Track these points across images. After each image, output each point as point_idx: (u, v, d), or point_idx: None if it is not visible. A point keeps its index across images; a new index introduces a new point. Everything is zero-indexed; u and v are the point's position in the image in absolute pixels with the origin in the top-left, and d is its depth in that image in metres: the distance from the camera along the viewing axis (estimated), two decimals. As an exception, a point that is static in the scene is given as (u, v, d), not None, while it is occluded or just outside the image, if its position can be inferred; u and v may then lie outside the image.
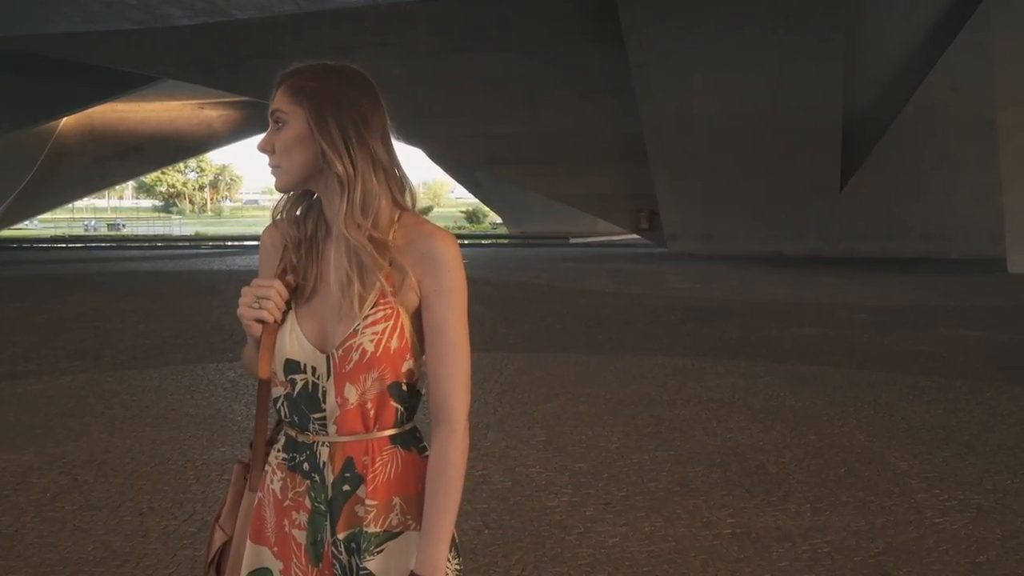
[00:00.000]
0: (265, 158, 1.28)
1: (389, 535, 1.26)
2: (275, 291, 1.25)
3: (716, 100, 20.35)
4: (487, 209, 52.04)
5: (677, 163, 21.48)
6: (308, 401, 1.26)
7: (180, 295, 12.58)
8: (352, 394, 1.24)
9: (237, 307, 1.27)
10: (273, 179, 1.29)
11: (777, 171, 20.63)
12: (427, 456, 1.29)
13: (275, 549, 1.31)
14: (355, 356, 1.23)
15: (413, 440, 1.30)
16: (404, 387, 1.27)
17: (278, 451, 1.33)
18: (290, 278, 1.27)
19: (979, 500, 3.75)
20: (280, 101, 1.25)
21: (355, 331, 1.23)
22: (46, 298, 12.13)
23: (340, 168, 1.22)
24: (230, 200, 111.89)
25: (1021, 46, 15.08)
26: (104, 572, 3.01)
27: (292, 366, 1.27)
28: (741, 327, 9.18)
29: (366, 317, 1.23)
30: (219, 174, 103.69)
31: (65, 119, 35.59)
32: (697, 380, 6.35)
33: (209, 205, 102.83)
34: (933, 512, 3.60)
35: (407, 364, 1.26)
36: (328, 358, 1.25)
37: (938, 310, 10.80)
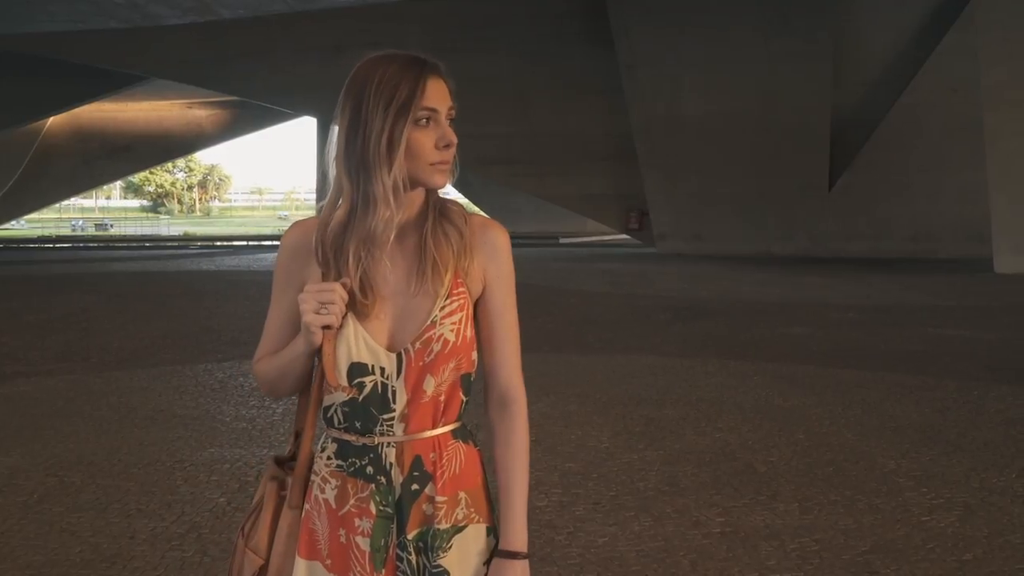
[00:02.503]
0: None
1: (456, 529, 1.28)
2: (338, 295, 1.21)
3: (706, 101, 20.42)
4: (477, 209, 52.02)
5: (667, 163, 21.54)
6: (378, 402, 1.25)
7: (168, 296, 12.52)
8: (430, 386, 1.26)
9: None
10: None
11: (766, 171, 20.73)
12: (479, 448, 1.34)
13: (328, 562, 1.27)
14: (436, 347, 1.24)
15: (468, 434, 1.34)
16: (471, 377, 1.31)
17: (329, 459, 1.29)
18: (347, 280, 1.23)
19: (966, 498, 3.77)
20: (450, 98, 1.25)
21: (433, 323, 1.24)
22: (33, 299, 12.05)
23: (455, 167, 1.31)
24: (219, 200, 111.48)
25: (1007, 47, 15.18)
26: (91, 574, 2.99)
27: (359, 369, 1.24)
28: (730, 327, 9.21)
29: (442, 308, 1.25)
30: (208, 174, 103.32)
31: (52, 119, 35.43)
32: (686, 380, 6.37)
33: (198, 205, 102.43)
34: (920, 510, 3.62)
35: (474, 353, 1.30)
36: (399, 356, 1.24)
37: (926, 310, 10.86)
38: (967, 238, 19.79)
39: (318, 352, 1.24)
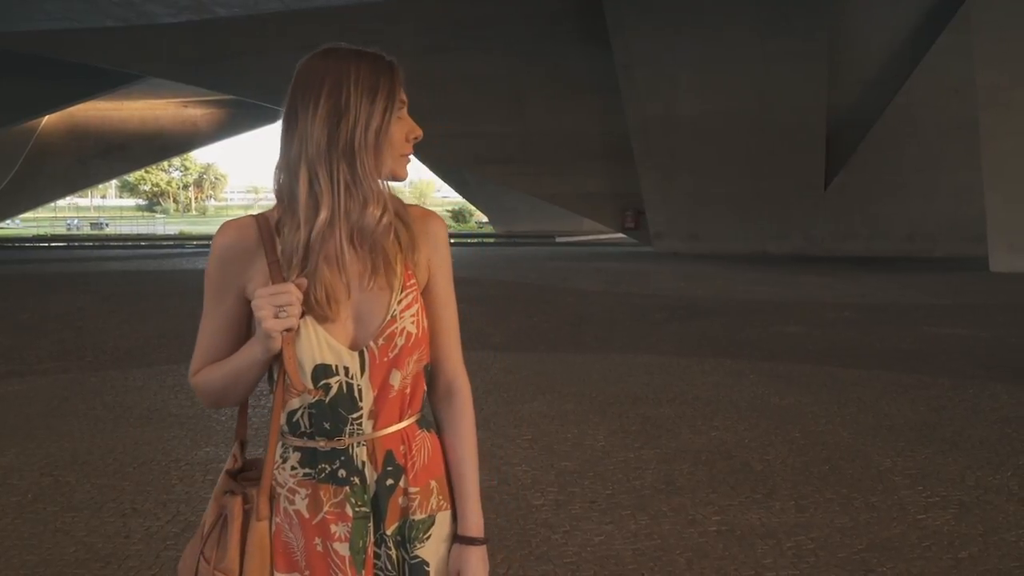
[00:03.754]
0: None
1: (431, 519, 1.30)
2: (295, 296, 1.16)
3: (702, 100, 20.43)
4: (473, 208, 52.07)
5: (663, 163, 21.55)
6: (345, 402, 1.23)
7: (164, 295, 12.48)
8: (397, 379, 1.25)
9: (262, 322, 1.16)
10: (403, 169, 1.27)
11: (762, 171, 20.75)
12: (440, 436, 1.35)
13: (307, 573, 1.25)
14: (400, 341, 1.24)
15: (429, 423, 1.34)
16: (428, 367, 1.32)
17: (294, 469, 1.25)
18: (302, 280, 1.18)
19: (961, 496, 3.78)
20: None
21: (394, 317, 1.23)
22: (28, 298, 12.02)
23: None
24: (214, 199, 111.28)
25: (1002, 47, 15.22)
26: (86, 574, 2.98)
27: (323, 371, 1.21)
28: (726, 325, 9.22)
29: (400, 302, 1.24)
30: (203, 173, 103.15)
31: (47, 117, 35.33)
32: (683, 378, 6.37)
33: (193, 204, 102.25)
34: (916, 508, 3.62)
35: (428, 343, 1.31)
36: (362, 354, 1.23)
37: (921, 308, 10.88)
38: (962, 237, 19.84)
39: (275, 357, 1.20)
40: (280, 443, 1.27)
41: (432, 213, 1.33)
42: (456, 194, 46.90)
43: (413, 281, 1.27)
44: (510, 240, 32.55)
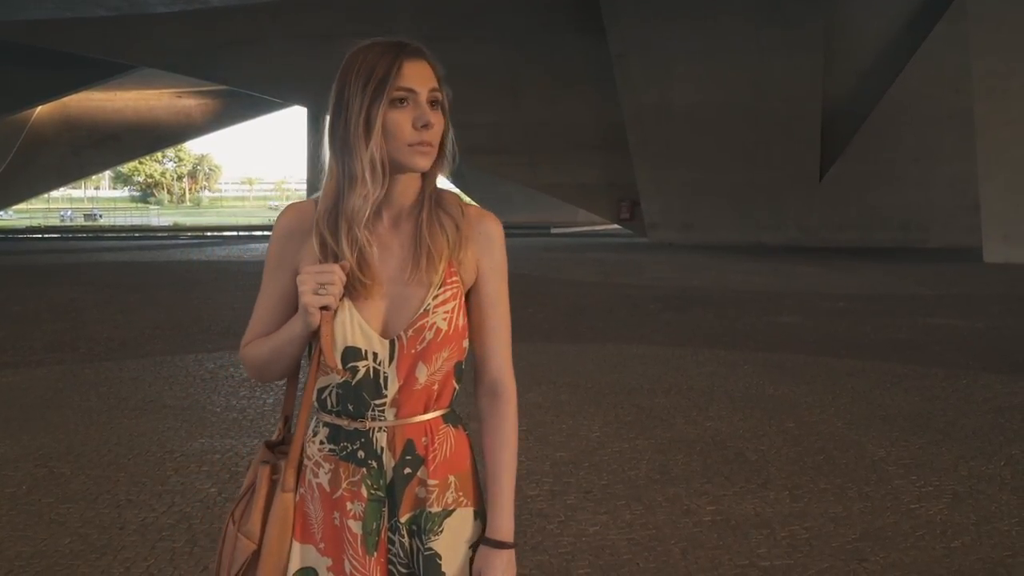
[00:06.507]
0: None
1: (447, 513, 1.31)
2: (337, 276, 1.21)
3: (697, 90, 20.40)
4: (468, 198, 51.97)
5: (658, 153, 21.53)
6: (370, 388, 1.26)
7: (158, 286, 12.46)
8: (423, 374, 1.27)
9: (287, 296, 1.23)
10: (425, 160, 1.26)
11: (757, 161, 20.74)
12: (468, 434, 1.37)
13: (322, 545, 1.29)
14: (428, 336, 1.25)
15: (458, 419, 1.36)
16: (462, 365, 1.33)
17: (321, 444, 1.30)
18: (346, 263, 1.23)
19: (954, 486, 3.80)
20: (434, 80, 1.24)
21: (426, 311, 1.25)
22: (22, 289, 11.98)
23: (449, 153, 1.29)
24: (208, 190, 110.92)
25: (998, 37, 15.20)
26: (81, 565, 2.98)
27: (352, 353, 1.25)
28: (721, 316, 9.23)
29: (436, 297, 1.26)
30: (197, 164, 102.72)
31: (40, 108, 35.13)
32: (677, 369, 6.38)
33: (187, 195, 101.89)
34: (909, 498, 3.64)
35: (466, 342, 1.32)
36: (392, 343, 1.25)
37: (915, 299, 10.91)
38: (957, 227, 19.88)
39: (314, 334, 1.25)
40: (314, 418, 1.33)
41: (488, 215, 1.34)
42: (451, 184, 46.80)
43: (455, 279, 1.28)
44: (505, 231, 32.44)
